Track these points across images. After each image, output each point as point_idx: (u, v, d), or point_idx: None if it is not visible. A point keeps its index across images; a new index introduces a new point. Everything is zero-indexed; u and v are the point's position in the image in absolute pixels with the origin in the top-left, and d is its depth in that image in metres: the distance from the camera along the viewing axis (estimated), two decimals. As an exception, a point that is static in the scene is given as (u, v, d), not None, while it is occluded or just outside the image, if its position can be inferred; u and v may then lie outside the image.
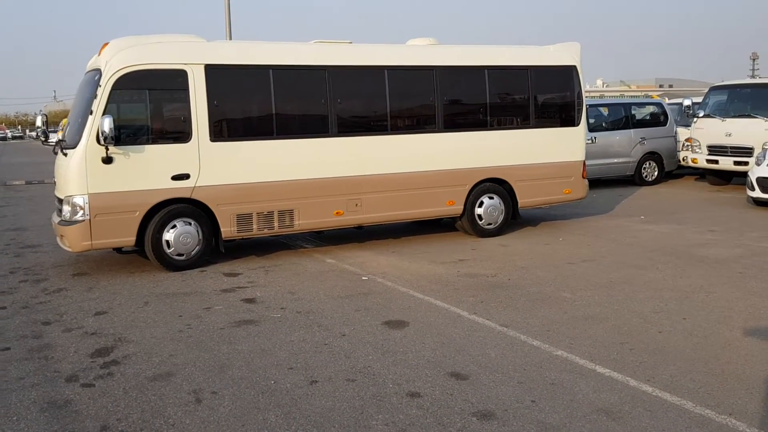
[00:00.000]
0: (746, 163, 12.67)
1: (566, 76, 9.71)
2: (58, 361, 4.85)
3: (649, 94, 44.68)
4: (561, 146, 9.63)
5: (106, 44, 7.62)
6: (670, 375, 4.44)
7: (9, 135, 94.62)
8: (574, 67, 9.74)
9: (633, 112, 15.13)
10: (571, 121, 9.72)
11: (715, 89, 14.40)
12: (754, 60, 79.36)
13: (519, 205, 9.46)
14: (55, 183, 8.19)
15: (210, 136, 7.71)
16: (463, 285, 6.83)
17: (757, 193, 11.20)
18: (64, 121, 51.51)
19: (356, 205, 8.54)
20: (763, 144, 12.36)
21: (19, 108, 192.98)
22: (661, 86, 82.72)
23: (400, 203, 8.76)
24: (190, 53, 7.72)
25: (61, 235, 7.51)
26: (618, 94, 59.62)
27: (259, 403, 4.10)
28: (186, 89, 7.61)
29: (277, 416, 3.92)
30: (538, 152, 9.47)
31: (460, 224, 9.45)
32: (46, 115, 9.16)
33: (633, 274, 7.10)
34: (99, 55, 7.61)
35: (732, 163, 13.22)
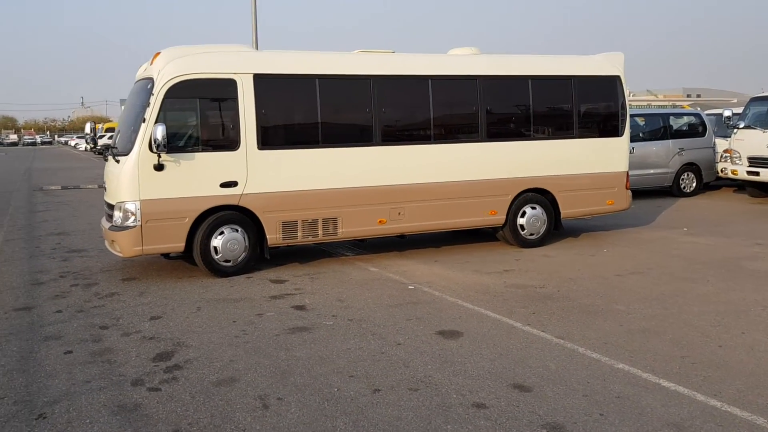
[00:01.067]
0: (789, 176, 12.46)
1: (610, 86, 9.65)
2: (122, 365, 4.92)
3: (677, 103, 44.11)
4: (604, 157, 9.56)
5: (158, 54, 7.74)
6: (737, 390, 4.37)
7: (38, 140, 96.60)
8: (618, 77, 9.68)
9: (671, 122, 14.97)
10: (614, 131, 9.65)
11: (755, 100, 14.19)
12: (784, 70, 78.03)
13: (561, 216, 9.39)
14: (105, 189, 8.30)
15: (258, 144, 7.79)
16: (512, 296, 6.79)
17: (803, 206, 11.00)
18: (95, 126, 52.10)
19: (399, 213, 8.55)
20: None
21: (47, 114, 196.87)
22: (688, 96, 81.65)
23: (442, 212, 8.75)
24: (240, 63, 7.82)
25: (112, 240, 7.63)
26: (645, 103, 58.96)
27: (326, 410, 4.12)
28: (235, 98, 7.70)
29: (345, 424, 3.93)
30: (581, 162, 9.42)
31: (501, 234, 9.41)
32: (95, 122, 9.32)
33: (684, 287, 7.01)
34: (151, 64, 7.74)
35: (774, 175, 13.01)
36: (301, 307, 6.48)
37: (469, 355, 5.07)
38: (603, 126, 9.69)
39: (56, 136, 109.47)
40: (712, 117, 15.87)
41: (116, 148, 7.89)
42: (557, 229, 9.52)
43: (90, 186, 21.00)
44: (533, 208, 9.21)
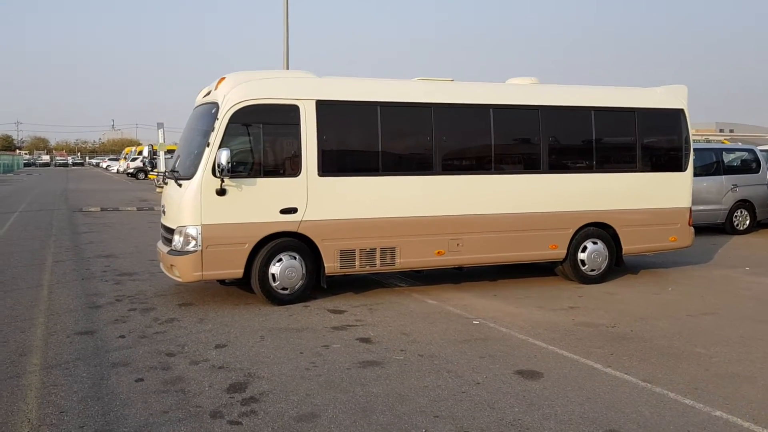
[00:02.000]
0: None
1: (674, 119, 9.43)
2: (196, 395, 4.76)
3: (710, 138, 43.45)
4: (667, 192, 9.30)
5: (223, 78, 7.74)
6: None
7: (70, 161, 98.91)
8: (682, 110, 9.47)
9: (724, 157, 14.65)
10: (678, 165, 9.40)
11: (811, 137, 13.82)
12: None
13: (623, 252, 9.12)
14: (163, 212, 8.25)
15: (318, 170, 7.70)
16: (584, 335, 6.53)
17: None
18: (128, 149, 53.96)
19: (458, 245, 8.36)
20: None
21: (78, 135, 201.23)
22: (721, 130, 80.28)
23: (502, 245, 8.54)
24: (302, 89, 7.78)
25: (171, 265, 7.54)
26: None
27: (418, 453, 3.91)
28: (297, 124, 7.64)
29: (442, 470, 3.71)
30: (643, 197, 9.17)
31: (560, 269, 9.15)
32: (153, 146, 9.35)
33: (763, 330, 6.70)
34: (215, 89, 7.73)
35: (833, 214, 12.59)
36: (366, 340, 6.29)
37: (555, 397, 4.82)
38: (666, 160, 9.45)
39: (87, 158, 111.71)
40: (764, 153, 15.50)
41: (177, 171, 7.85)
42: (618, 266, 9.24)
43: (129, 208, 21.14)
44: (594, 243, 8.96)
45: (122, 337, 6.30)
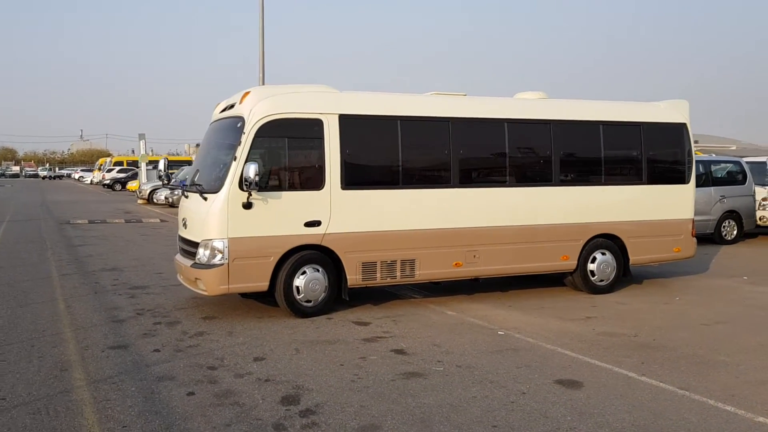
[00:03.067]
0: (836, 226, 12.52)
1: (677, 133, 9.75)
2: (253, 408, 4.80)
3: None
4: (671, 203, 9.60)
5: (248, 93, 7.79)
6: None
7: (41, 174, 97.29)
8: (684, 124, 9.79)
9: (712, 169, 15.11)
10: (681, 178, 9.71)
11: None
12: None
13: (630, 262, 9.37)
14: (184, 225, 8.23)
15: (341, 183, 7.79)
16: (609, 344, 6.71)
17: None
18: (102, 160, 53.16)
19: (474, 256, 8.51)
20: None
21: (47, 146, 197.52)
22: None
23: (516, 256, 8.72)
24: (326, 103, 7.87)
25: (196, 279, 7.53)
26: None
27: (489, 462, 4.01)
28: (321, 138, 7.73)
29: (517, 477, 3.82)
30: (649, 209, 9.45)
31: (570, 280, 9.36)
32: (167, 158, 9.33)
33: (779, 338, 6.96)
34: (240, 102, 7.77)
35: (818, 225, 13.07)
36: (400, 351, 6.38)
37: (602, 406, 4.97)
38: (670, 173, 9.75)
39: (57, 169, 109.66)
40: (749, 165, 16.00)
41: (200, 185, 7.86)
42: (625, 276, 9.49)
43: (117, 221, 20.90)
44: (603, 253, 9.19)
45: (157, 350, 6.29)
